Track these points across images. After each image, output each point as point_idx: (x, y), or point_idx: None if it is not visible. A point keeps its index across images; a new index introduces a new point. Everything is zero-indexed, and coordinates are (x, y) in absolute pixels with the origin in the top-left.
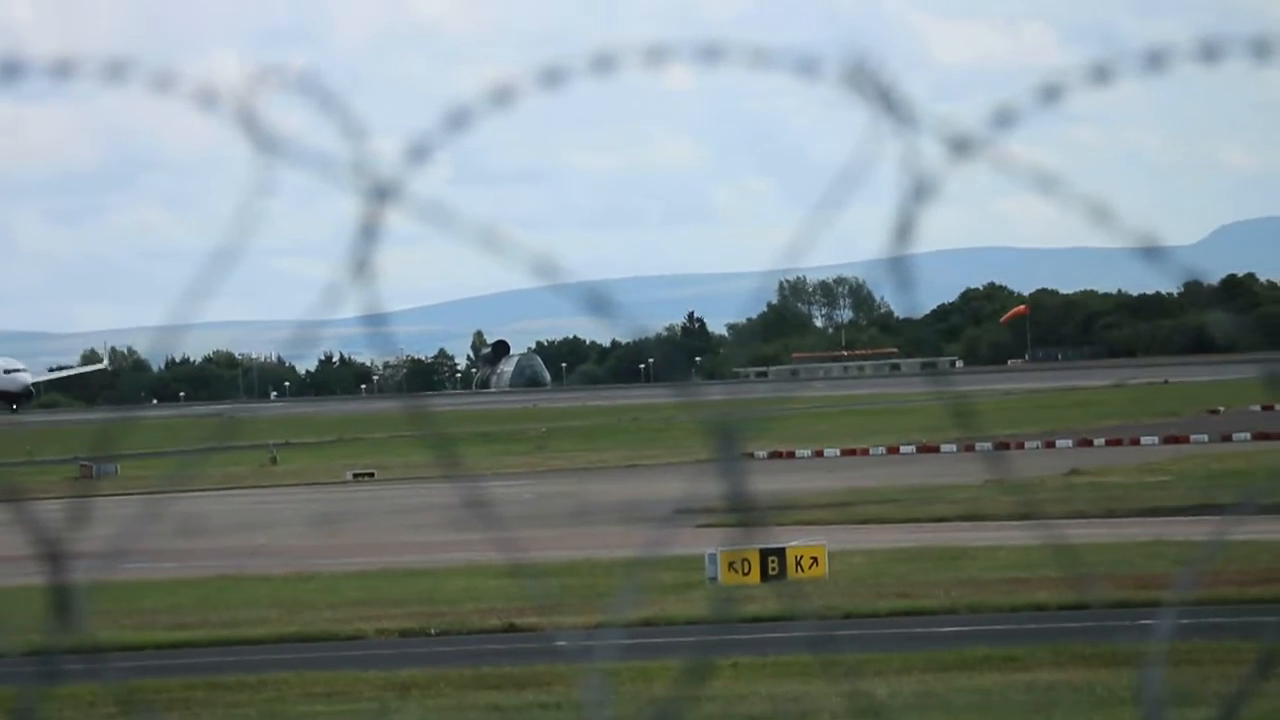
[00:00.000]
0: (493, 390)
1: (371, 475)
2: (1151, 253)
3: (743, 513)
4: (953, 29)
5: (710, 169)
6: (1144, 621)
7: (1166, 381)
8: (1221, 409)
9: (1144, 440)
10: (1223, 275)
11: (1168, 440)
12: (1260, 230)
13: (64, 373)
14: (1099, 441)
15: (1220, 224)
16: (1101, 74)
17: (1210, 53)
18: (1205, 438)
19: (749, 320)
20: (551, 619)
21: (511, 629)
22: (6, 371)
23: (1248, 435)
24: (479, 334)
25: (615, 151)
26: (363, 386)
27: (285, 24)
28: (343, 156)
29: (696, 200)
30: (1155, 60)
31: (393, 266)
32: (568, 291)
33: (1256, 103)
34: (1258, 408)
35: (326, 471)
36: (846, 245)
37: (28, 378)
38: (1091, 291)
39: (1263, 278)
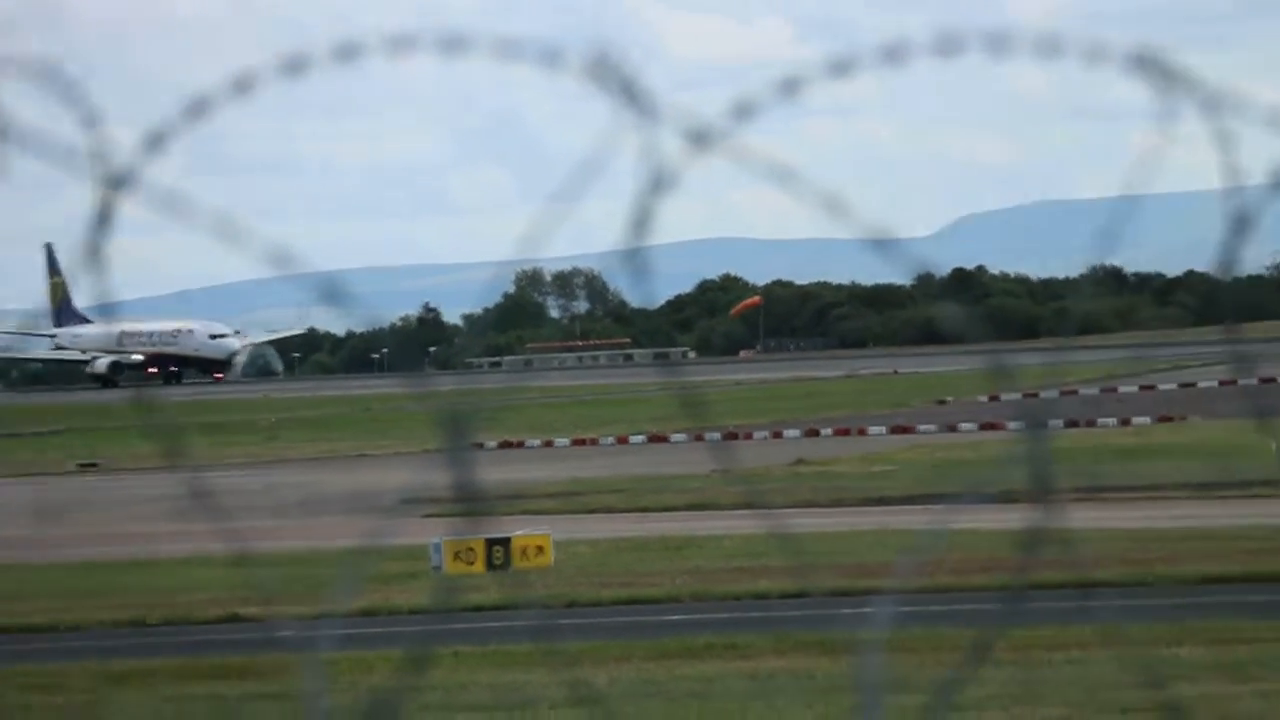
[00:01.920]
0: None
1: (95, 466)
2: (883, 244)
3: (469, 502)
4: (690, 23)
5: (450, 160)
6: (864, 610)
7: (896, 372)
8: (949, 399)
9: (871, 430)
10: (957, 267)
11: (895, 430)
12: (996, 222)
13: None
14: (826, 431)
15: (958, 215)
16: (839, 67)
17: (946, 46)
18: (933, 428)
19: (484, 310)
20: (274, 609)
21: (234, 619)
22: (213, 336)
23: (974, 425)
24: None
25: (356, 142)
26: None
27: (18, 11)
28: (80, 145)
29: (436, 191)
30: (893, 54)
31: (128, 256)
32: (302, 281)
33: (993, 95)
34: (984, 398)
35: (50, 462)
36: (585, 236)
37: (233, 344)
38: (825, 283)
39: (994, 269)
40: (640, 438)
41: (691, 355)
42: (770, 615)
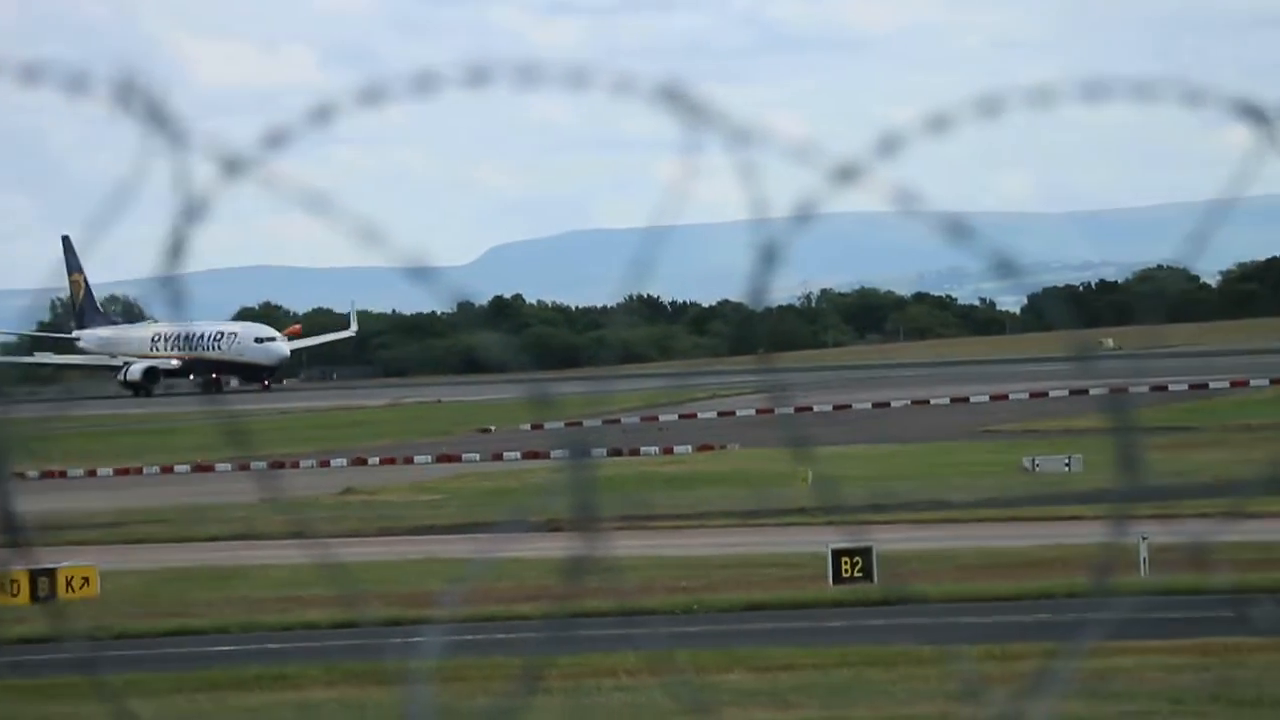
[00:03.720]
0: None
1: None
2: (422, 273)
3: (11, 533)
4: (215, 49)
5: None
6: (414, 639)
7: (440, 401)
8: (492, 428)
9: (418, 459)
10: (496, 295)
11: (441, 459)
12: (528, 251)
13: None
14: (373, 460)
15: (490, 245)
16: (370, 95)
17: (476, 77)
18: (477, 456)
19: (20, 338)
20: None
21: None
22: (258, 340)
23: (518, 454)
24: None
25: None
26: None
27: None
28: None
29: None
30: (424, 84)
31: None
32: None
33: (517, 126)
34: (527, 427)
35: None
36: (122, 263)
37: (282, 348)
38: (366, 311)
39: (531, 298)
40: (185, 467)
41: (234, 384)
42: (320, 645)
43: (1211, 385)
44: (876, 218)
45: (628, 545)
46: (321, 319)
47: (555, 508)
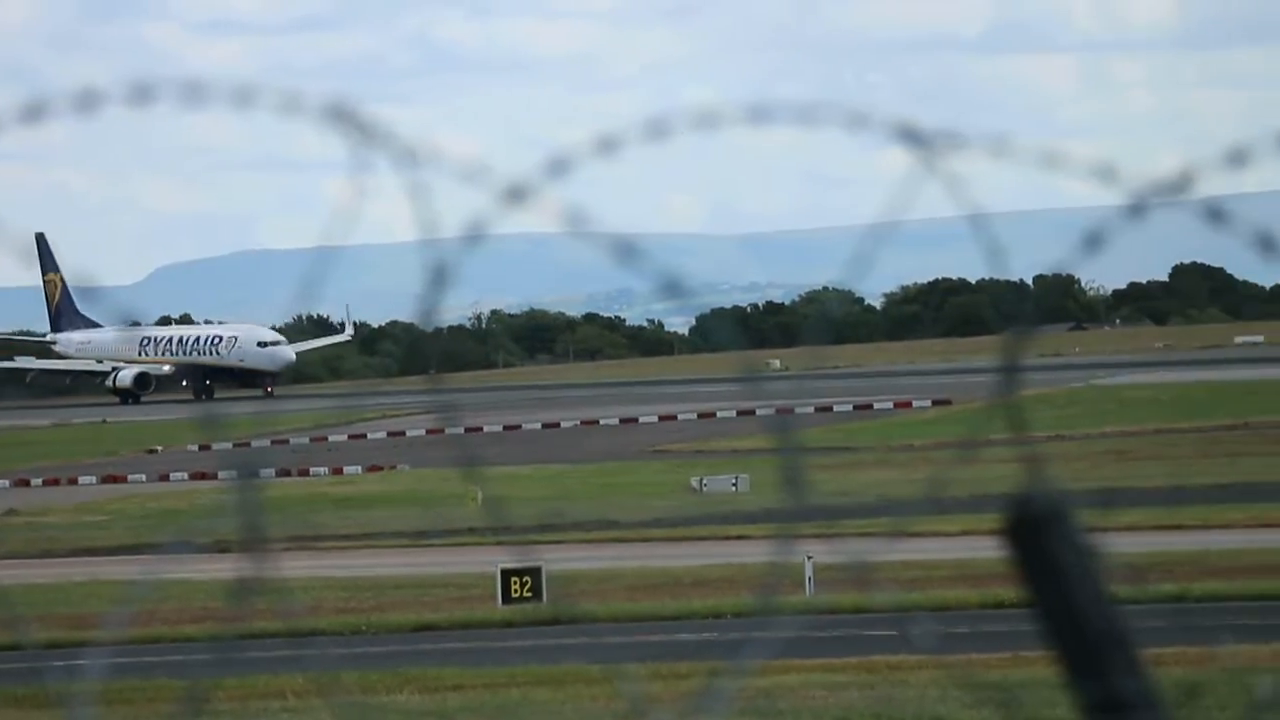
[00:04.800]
0: None
1: None
2: (91, 292)
3: None
4: None
5: None
6: (77, 661)
7: (105, 421)
8: (159, 448)
9: (83, 480)
10: (160, 315)
11: (106, 480)
12: (195, 271)
13: None
14: (37, 481)
15: (158, 265)
16: (30, 113)
17: (139, 96)
18: (143, 477)
19: None
20: None
21: None
22: (261, 344)
23: (185, 475)
24: None
25: None
26: None
27: None
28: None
29: None
30: (85, 102)
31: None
32: None
33: (182, 145)
34: (195, 448)
35: None
36: None
37: (288, 353)
38: (26, 330)
39: (199, 318)
40: None
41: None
42: None
43: (876, 406)
44: (546, 239)
45: (296, 566)
46: None
47: (222, 529)
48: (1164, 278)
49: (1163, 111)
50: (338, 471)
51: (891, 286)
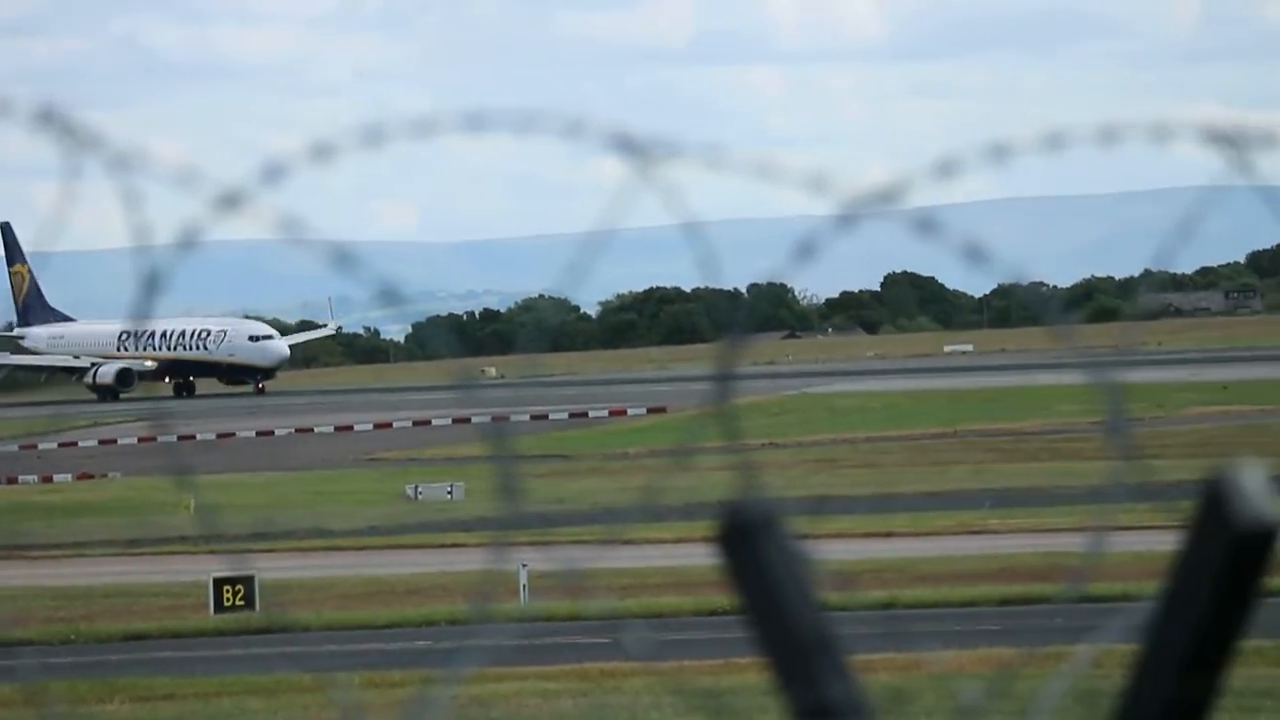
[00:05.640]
0: None
1: None
2: None
3: None
4: None
5: None
6: None
7: None
8: None
9: None
10: None
11: None
12: None
13: None
14: None
15: None
16: None
17: None
18: None
19: None
20: None
21: None
22: (253, 338)
23: None
24: None
25: None
26: None
27: None
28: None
29: None
30: None
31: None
32: None
33: None
34: None
35: None
36: None
37: (282, 347)
38: None
39: None
40: None
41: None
42: None
43: (591, 414)
44: (261, 246)
45: (3, 575)
46: None
47: None
48: (876, 287)
49: (873, 121)
50: (47, 479)
51: (607, 295)
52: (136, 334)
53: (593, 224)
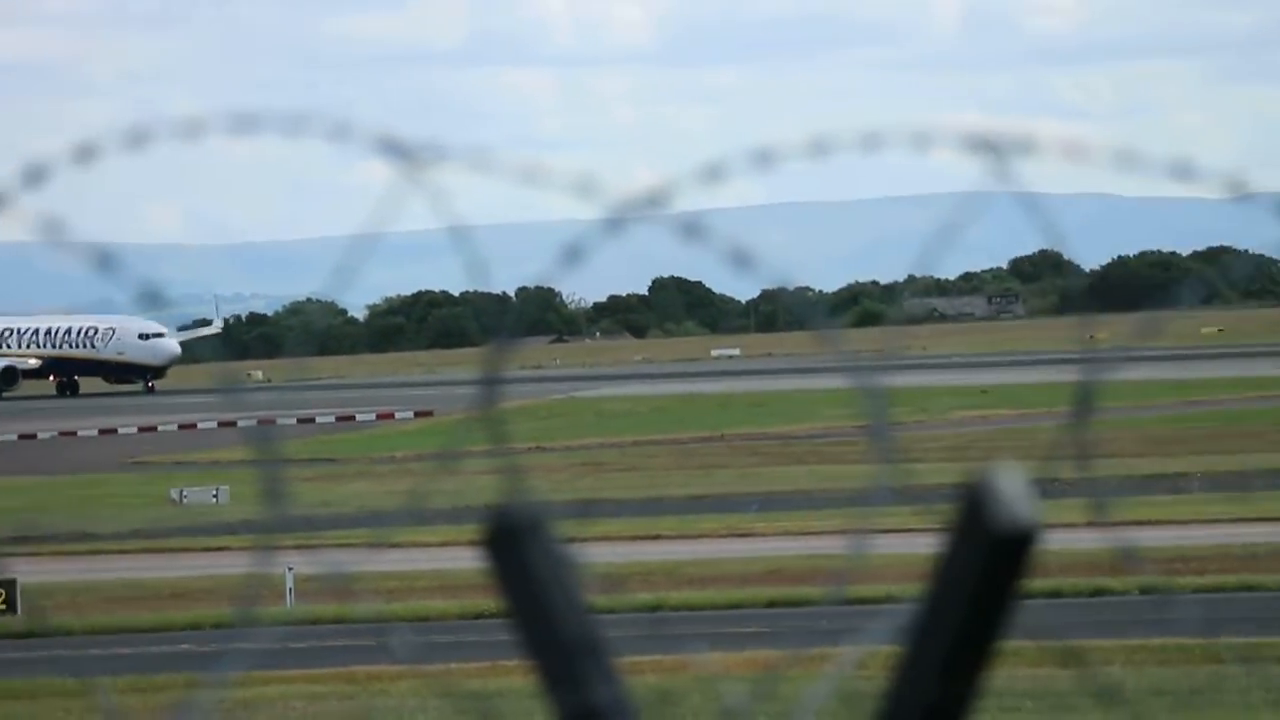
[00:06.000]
0: None
1: None
2: None
3: None
4: None
5: None
6: None
7: None
8: None
9: None
10: None
11: None
12: None
13: None
14: None
15: None
16: None
17: None
18: None
19: None
20: None
21: None
22: (143, 336)
23: None
24: None
25: None
26: None
27: None
28: None
29: None
30: None
31: None
32: None
33: None
34: None
35: None
36: None
37: (173, 345)
38: None
39: None
40: None
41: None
42: None
43: (358, 417)
44: (24, 248)
45: None
46: None
47: None
48: (643, 291)
49: (641, 125)
50: None
51: (375, 298)
52: (19, 330)
53: (360, 227)
